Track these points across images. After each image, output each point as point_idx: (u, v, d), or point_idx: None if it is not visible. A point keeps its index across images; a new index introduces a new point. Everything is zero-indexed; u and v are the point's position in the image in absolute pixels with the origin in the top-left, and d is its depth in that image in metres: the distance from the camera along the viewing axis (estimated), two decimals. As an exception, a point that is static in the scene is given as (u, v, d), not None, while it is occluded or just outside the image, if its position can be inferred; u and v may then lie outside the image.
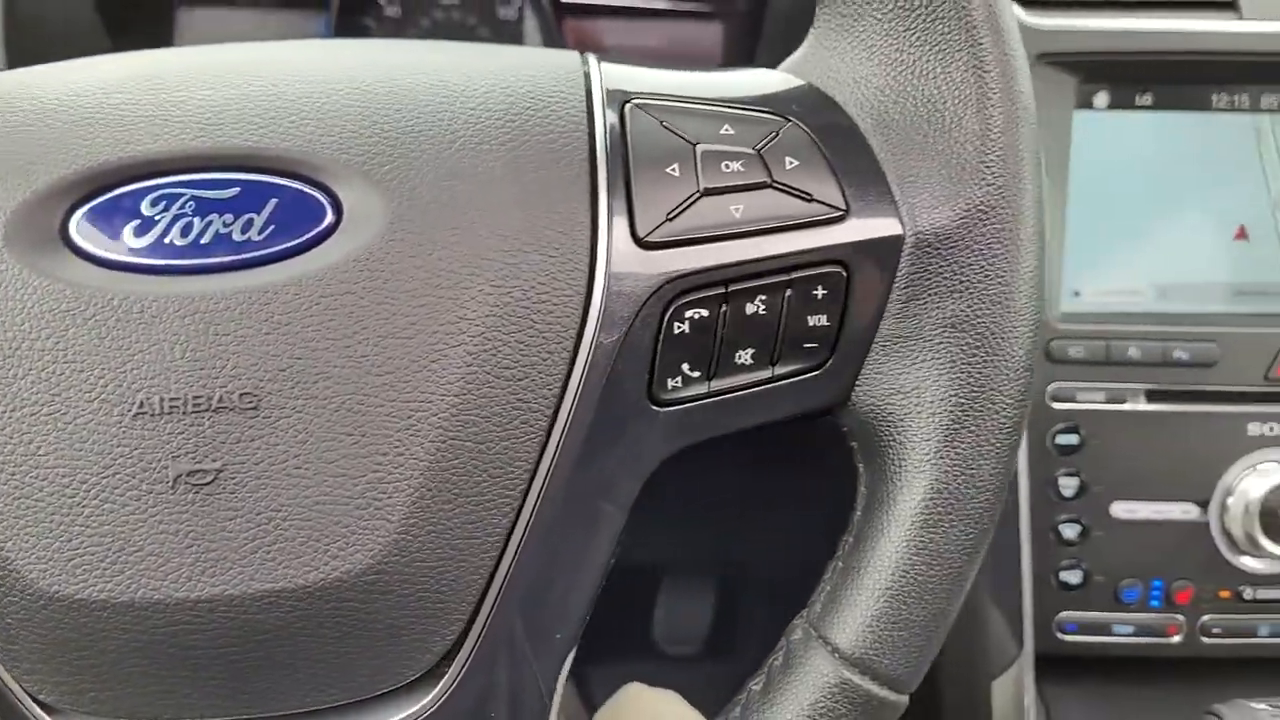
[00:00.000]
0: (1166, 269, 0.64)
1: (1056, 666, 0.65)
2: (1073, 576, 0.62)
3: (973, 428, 0.31)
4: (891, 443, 0.31)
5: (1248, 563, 0.61)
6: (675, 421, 0.31)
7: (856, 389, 0.32)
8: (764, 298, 0.30)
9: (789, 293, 0.30)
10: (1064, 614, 0.62)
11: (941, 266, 0.31)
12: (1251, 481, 0.60)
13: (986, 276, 0.31)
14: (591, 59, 0.33)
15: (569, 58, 0.32)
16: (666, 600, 1.08)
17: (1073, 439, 0.61)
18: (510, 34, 0.73)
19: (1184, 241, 0.63)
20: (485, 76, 0.31)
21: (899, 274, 0.31)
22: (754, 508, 0.74)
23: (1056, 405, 0.61)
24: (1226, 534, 0.61)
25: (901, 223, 0.31)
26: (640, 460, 0.31)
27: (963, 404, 0.31)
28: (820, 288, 0.31)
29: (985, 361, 0.31)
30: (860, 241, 0.30)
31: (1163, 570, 0.62)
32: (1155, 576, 0.62)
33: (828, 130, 0.31)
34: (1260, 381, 0.61)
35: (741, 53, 0.73)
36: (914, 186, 0.31)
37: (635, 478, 0.31)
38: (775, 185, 0.30)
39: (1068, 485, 0.61)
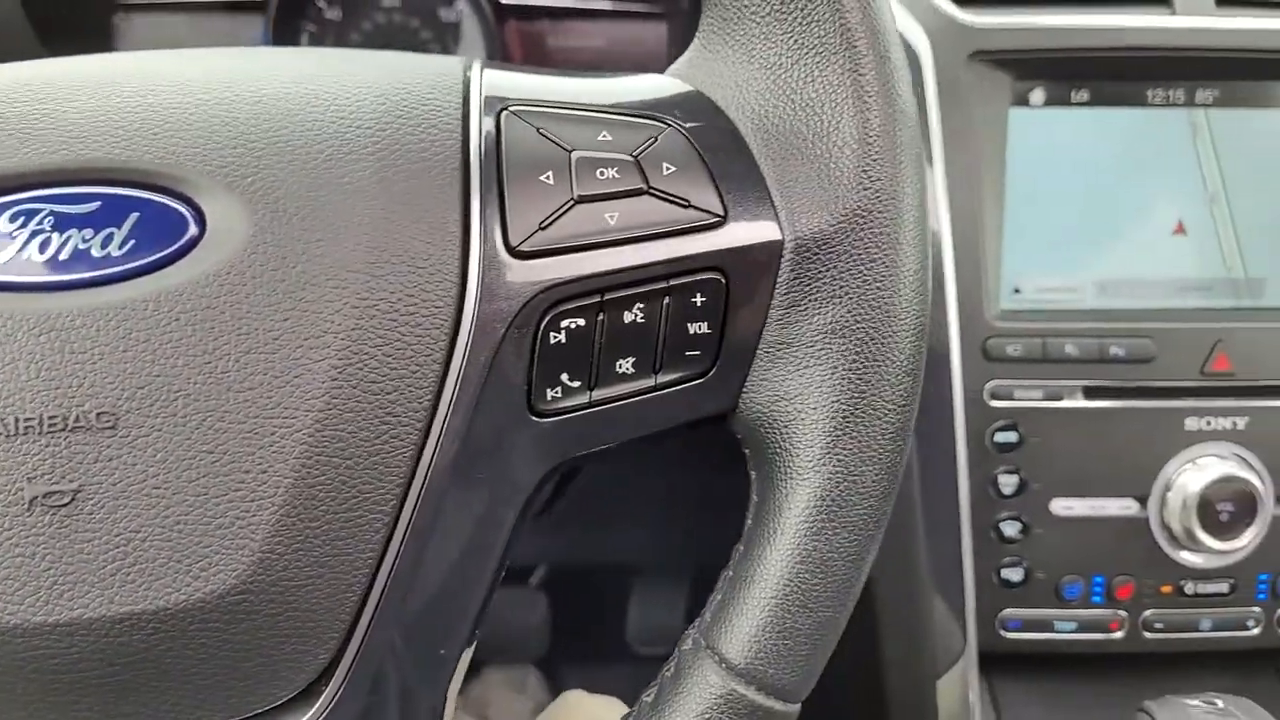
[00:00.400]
0: (1106, 265, 0.63)
1: (1006, 662, 0.65)
2: (1014, 574, 0.62)
3: (854, 434, 0.30)
4: (778, 450, 0.31)
5: (1188, 557, 0.61)
6: (557, 432, 0.30)
7: (743, 396, 0.32)
8: (642, 306, 0.30)
9: (667, 300, 0.30)
10: (1007, 611, 0.62)
11: (821, 272, 0.30)
12: (1190, 476, 0.60)
13: (866, 282, 0.30)
14: (476, 65, 0.32)
15: (451, 64, 0.32)
16: (639, 601, 1.08)
17: (1011, 437, 0.60)
18: (453, 37, 0.73)
19: (1123, 237, 0.63)
20: (360, 85, 0.30)
21: (779, 280, 0.31)
22: (726, 508, 0.73)
23: (995, 403, 0.60)
24: (1166, 529, 0.61)
25: (780, 228, 0.30)
26: (523, 472, 0.30)
27: (844, 410, 0.30)
28: (699, 295, 0.30)
29: (866, 367, 0.30)
30: (738, 248, 0.30)
31: (1104, 566, 0.62)
32: (1096, 573, 0.62)
33: (708, 135, 0.31)
34: (1197, 376, 0.61)
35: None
36: (793, 191, 0.31)
37: (519, 489, 0.31)
38: (652, 191, 0.30)
39: (1007, 483, 0.61)
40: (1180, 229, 0.64)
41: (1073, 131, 0.63)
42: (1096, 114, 0.63)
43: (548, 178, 0.29)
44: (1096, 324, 0.61)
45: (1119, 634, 0.62)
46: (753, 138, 0.31)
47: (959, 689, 0.63)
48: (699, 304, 0.30)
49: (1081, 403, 0.60)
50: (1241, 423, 0.61)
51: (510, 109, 0.30)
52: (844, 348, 0.30)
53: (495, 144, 0.30)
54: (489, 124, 0.30)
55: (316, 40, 0.73)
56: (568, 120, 0.31)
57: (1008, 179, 0.62)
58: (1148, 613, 0.62)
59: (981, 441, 0.61)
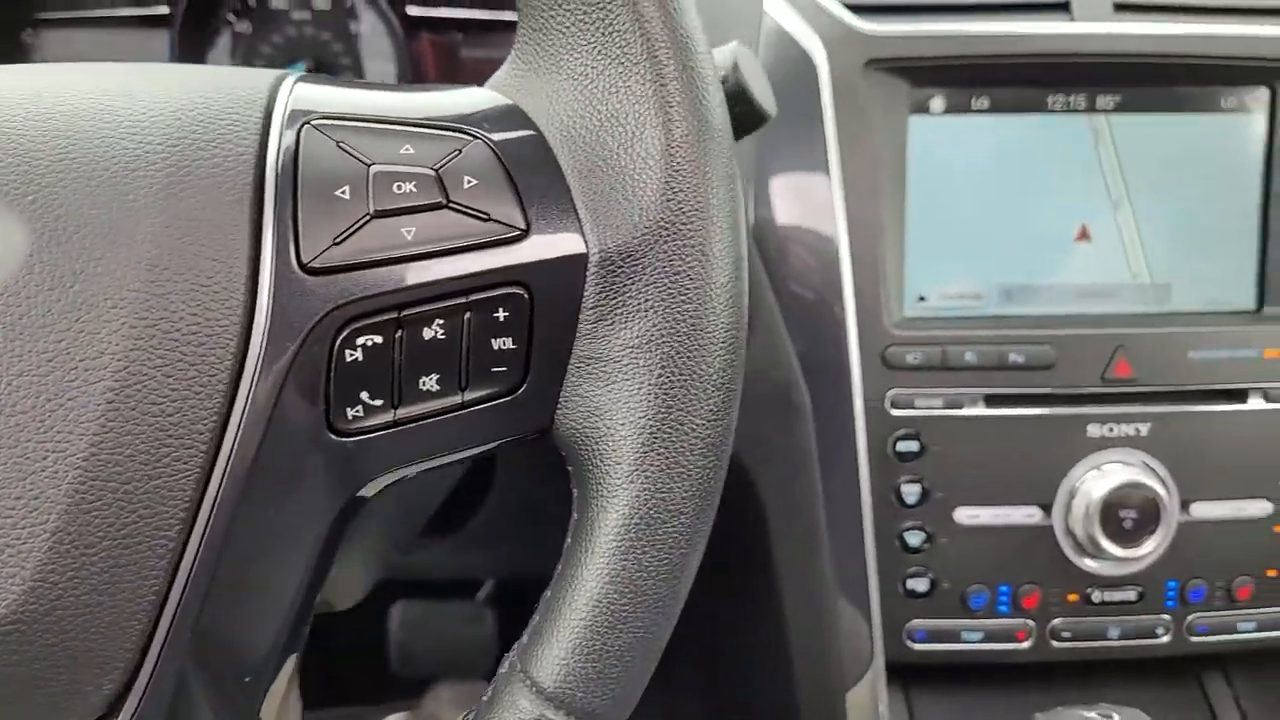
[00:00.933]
0: (1010, 271, 0.63)
1: (925, 673, 0.65)
2: (920, 584, 0.61)
3: (662, 450, 0.30)
4: (592, 467, 0.31)
5: (1093, 565, 0.61)
6: (362, 452, 0.30)
7: (558, 412, 0.31)
8: (442, 322, 0.29)
9: (469, 315, 0.30)
10: (914, 622, 0.62)
11: (628, 285, 0.30)
12: (1092, 483, 0.60)
13: (674, 295, 0.30)
14: (290, 79, 0.32)
15: (261, 78, 0.32)
16: None
17: (913, 445, 0.60)
18: (365, 49, 0.73)
19: (1027, 243, 0.63)
20: (157, 101, 0.30)
21: (586, 293, 0.30)
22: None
23: (895, 412, 0.60)
24: (1071, 536, 0.61)
25: (585, 241, 0.30)
26: (326, 492, 0.30)
27: (651, 426, 0.30)
28: (502, 309, 0.30)
29: (674, 382, 0.30)
30: (541, 261, 0.30)
31: (1009, 575, 0.61)
32: (1002, 582, 0.61)
33: (515, 148, 0.31)
34: (1098, 383, 0.60)
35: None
36: (599, 204, 0.30)
37: (324, 509, 0.30)
38: (451, 205, 0.29)
39: (910, 492, 0.60)
40: (1084, 235, 0.63)
41: (974, 138, 0.62)
42: (997, 121, 0.63)
43: (344, 192, 0.29)
44: (999, 331, 0.61)
45: (1026, 644, 0.62)
46: (561, 150, 0.31)
47: (869, 701, 0.63)
48: (502, 319, 0.30)
49: (982, 410, 0.60)
50: (1144, 428, 0.60)
51: (313, 123, 0.30)
52: (651, 362, 0.30)
53: (292, 159, 0.29)
54: (289, 138, 0.30)
55: (229, 52, 0.72)
56: (372, 134, 0.30)
57: (909, 187, 0.62)
58: (1055, 622, 0.62)
59: (883, 450, 0.60)
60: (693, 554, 0.31)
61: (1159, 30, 0.62)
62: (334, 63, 0.72)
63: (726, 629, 0.78)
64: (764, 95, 0.41)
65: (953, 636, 0.62)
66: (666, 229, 0.30)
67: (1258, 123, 0.63)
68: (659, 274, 0.30)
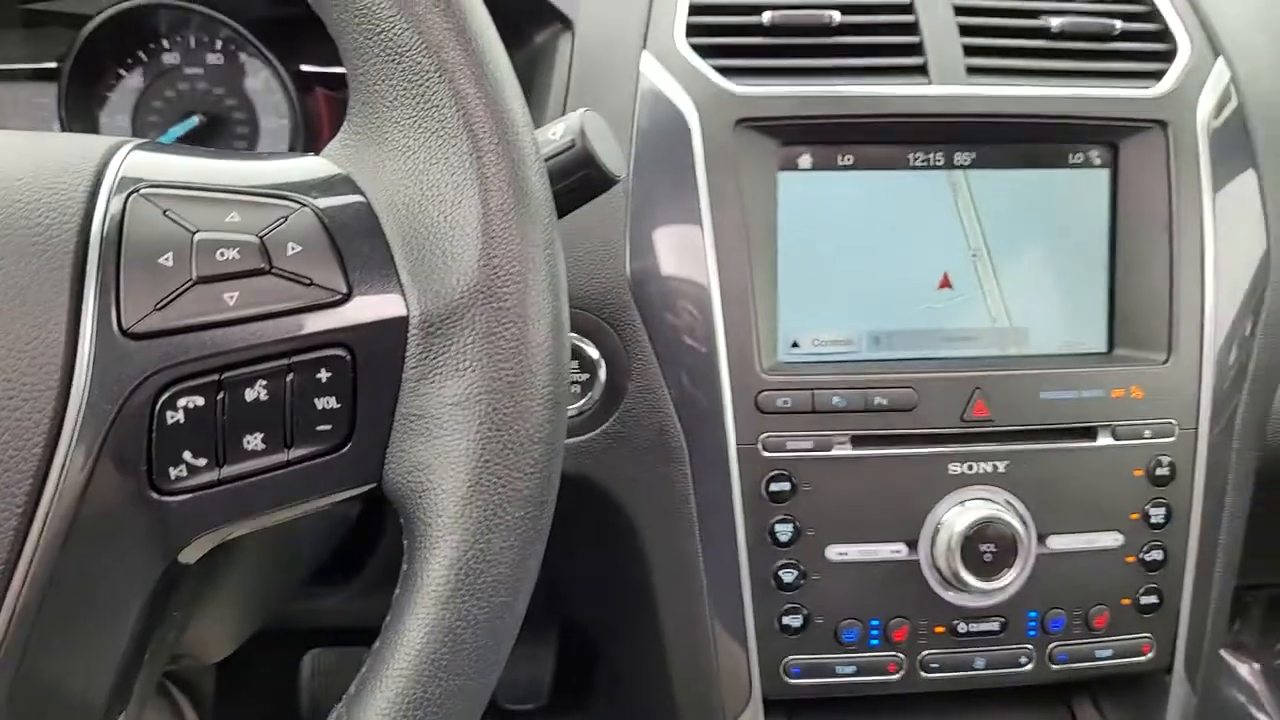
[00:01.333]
0: (878, 318, 0.67)
1: (804, 703, 0.66)
2: (794, 620, 0.63)
3: (480, 503, 0.32)
4: (417, 520, 0.32)
5: (957, 598, 0.64)
6: (187, 511, 0.31)
7: (385, 468, 0.33)
8: (265, 383, 0.31)
9: (291, 377, 0.31)
10: (790, 658, 0.64)
11: (448, 346, 0.32)
12: (954, 519, 0.63)
13: (492, 355, 0.32)
14: (126, 147, 0.33)
15: (96, 146, 0.33)
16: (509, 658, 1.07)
17: (785, 486, 0.63)
18: (259, 104, 0.74)
19: (893, 291, 0.67)
20: None
21: (408, 354, 0.32)
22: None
23: (768, 454, 0.63)
24: (936, 570, 0.63)
25: (407, 305, 0.32)
26: (151, 550, 0.31)
27: (470, 479, 0.32)
28: (324, 370, 0.31)
29: (492, 438, 0.32)
30: (363, 324, 0.32)
31: (879, 609, 0.64)
32: (872, 616, 0.64)
33: (341, 215, 0.32)
34: (958, 423, 0.64)
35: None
36: (420, 269, 0.32)
37: (148, 566, 0.31)
38: (274, 271, 0.31)
39: (783, 531, 0.63)
40: (946, 283, 0.67)
41: (841, 193, 0.66)
42: (862, 176, 0.66)
43: (167, 259, 0.30)
44: (866, 375, 0.64)
45: (897, 675, 0.64)
46: (386, 218, 0.33)
47: (750, 736, 0.64)
48: (325, 380, 0.31)
49: (849, 451, 0.63)
50: (1002, 466, 0.64)
51: (141, 191, 0.31)
52: (470, 419, 0.32)
53: (117, 226, 0.31)
54: (116, 206, 0.31)
55: (122, 107, 0.73)
56: (200, 202, 0.32)
57: (780, 239, 0.65)
58: (924, 653, 0.64)
59: (757, 491, 0.63)
60: (515, 602, 0.33)
61: (1010, 92, 0.66)
62: (228, 117, 0.73)
63: (614, 667, 0.79)
64: (611, 158, 0.44)
65: (827, 671, 0.64)
66: (484, 293, 0.32)
67: (1103, 177, 0.68)
68: (477, 336, 0.32)
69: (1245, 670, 1.27)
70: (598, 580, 0.74)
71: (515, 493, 0.32)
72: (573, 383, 0.63)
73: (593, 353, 0.63)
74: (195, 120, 0.72)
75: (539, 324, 0.32)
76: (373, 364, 0.32)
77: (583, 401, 0.63)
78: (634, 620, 0.69)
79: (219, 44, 0.72)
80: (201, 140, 0.73)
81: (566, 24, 0.66)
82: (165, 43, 0.72)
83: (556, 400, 0.33)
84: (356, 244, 0.32)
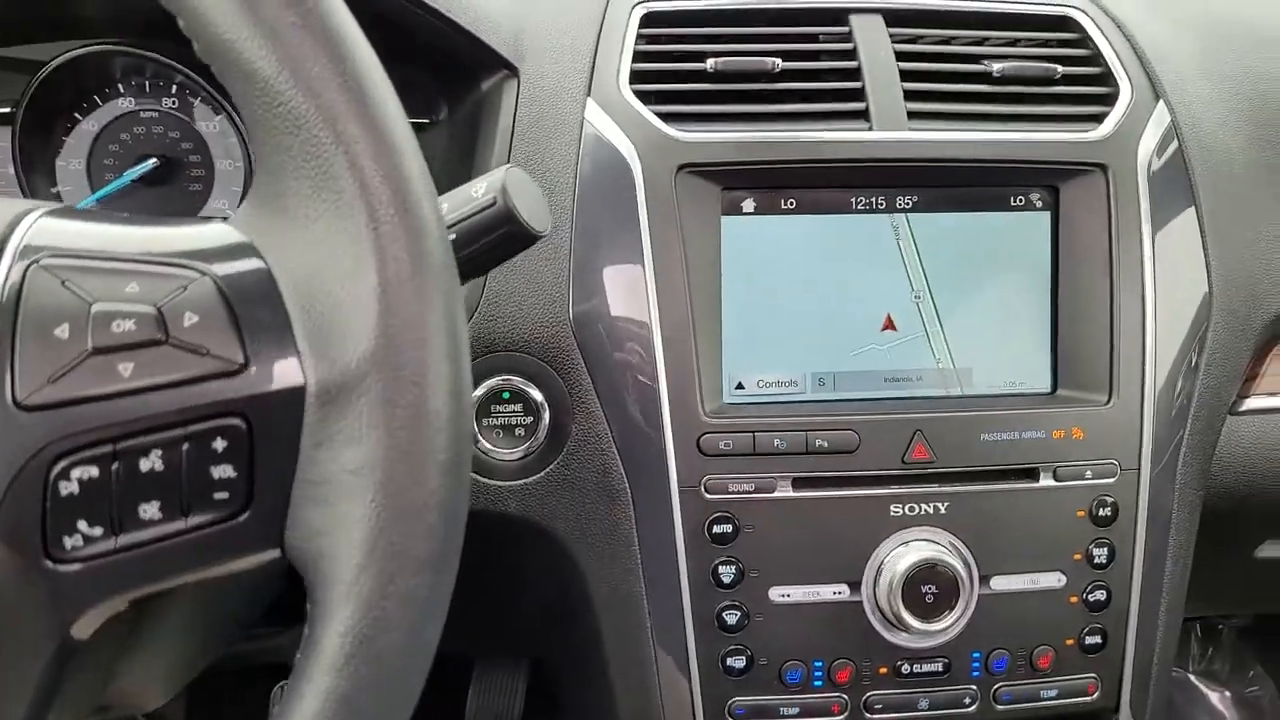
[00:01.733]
0: (822, 360, 0.67)
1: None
2: (738, 661, 0.64)
3: (375, 570, 0.32)
4: (316, 586, 0.33)
5: (901, 638, 0.64)
6: (83, 579, 0.31)
7: (286, 534, 0.33)
8: (160, 452, 0.31)
9: (186, 446, 0.31)
10: (735, 699, 0.64)
11: (345, 414, 0.32)
12: (895, 560, 0.63)
13: (389, 424, 0.32)
14: (33, 214, 0.34)
15: (5, 210, 0.33)
16: (478, 688, 1.07)
17: (727, 527, 0.63)
18: (213, 148, 0.75)
19: (837, 333, 0.67)
20: None
21: (306, 423, 0.32)
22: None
23: (710, 496, 0.63)
24: (879, 611, 0.64)
25: (304, 374, 0.32)
26: (47, 619, 0.31)
27: (366, 546, 0.32)
28: (221, 440, 0.32)
29: (388, 505, 0.32)
30: (259, 394, 0.32)
31: (822, 651, 0.64)
32: (816, 657, 0.64)
33: (240, 284, 0.33)
34: (899, 465, 0.64)
35: (463, 160, 0.75)
36: (319, 338, 0.33)
37: (45, 634, 0.31)
38: (171, 342, 0.32)
39: (726, 572, 0.63)
40: (890, 324, 0.68)
41: (785, 236, 0.67)
42: (806, 220, 0.67)
43: (63, 330, 0.31)
44: (808, 417, 0.64)
45: (841, 716, 0.64)
46: (286, 286, 0.33)
47: (695, 778, 0.65)
48: (221, 449, 0.32)
49: (791, 493, 0.63)
50: (944, 507, 0.64)
51: (41, 261, 0.32)
52: (365, 486, 0.32)
53: (15, 297, 0.31)
54: (15, 276, 0.31)
55: (77, 151, 0.74)
56: (100, 272, 0.32)
57: (724, 282, 0.66)
58: (868, 694, 0.64)
59: (700, 533, 0.63)
60: (412, 668, 0.33)
61: (950, 137, 0.67)
62: (183, 160, 0.74)
63: (574, 706, 0.79)
64: (533, 215, 0.44)
65: (771, 712, 0.64)
66: (381, 362, 0.32)
67: (1044, 219, 0.69)
68: (373, 404, 0.32)
69: (1216, 698, 1.27)
70: (552, 620, 0.74)
71: (411, 560, 0.32)
72: (517, 426, 0.64)
73: (537, 396, 0.64)
74: (151, 163, 0.73)
75: (437, 391, 0.33)
76: (270, 432, 0.32)
77: (527, 444, 0.64)
78: (585, 660, 0.69)
79: (173, 89, 0.73)
80: (159, 181, 0.74)
81: (513, 71, 0.67)
82: (120, 87, 0.73)
83: (456, 466, 0.33)
84: (255, 313, 0.32)
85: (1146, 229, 0.68)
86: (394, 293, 0.32)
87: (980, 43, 0.73)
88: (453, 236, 0.42)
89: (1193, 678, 1.27)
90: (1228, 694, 1.27)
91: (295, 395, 0.32)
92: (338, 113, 0.31)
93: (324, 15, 0.32)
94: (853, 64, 0.68)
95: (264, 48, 0.31)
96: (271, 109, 0.32)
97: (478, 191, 0.43)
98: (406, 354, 0.32)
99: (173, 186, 0.74)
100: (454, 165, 0.71)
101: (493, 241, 0.43)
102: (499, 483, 0.64)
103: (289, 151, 0.33)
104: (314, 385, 0.32)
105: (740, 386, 0.66)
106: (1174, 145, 0.71)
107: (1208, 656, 1.27)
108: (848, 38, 0.69)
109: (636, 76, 0.67)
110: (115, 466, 0.31)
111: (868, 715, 0.64)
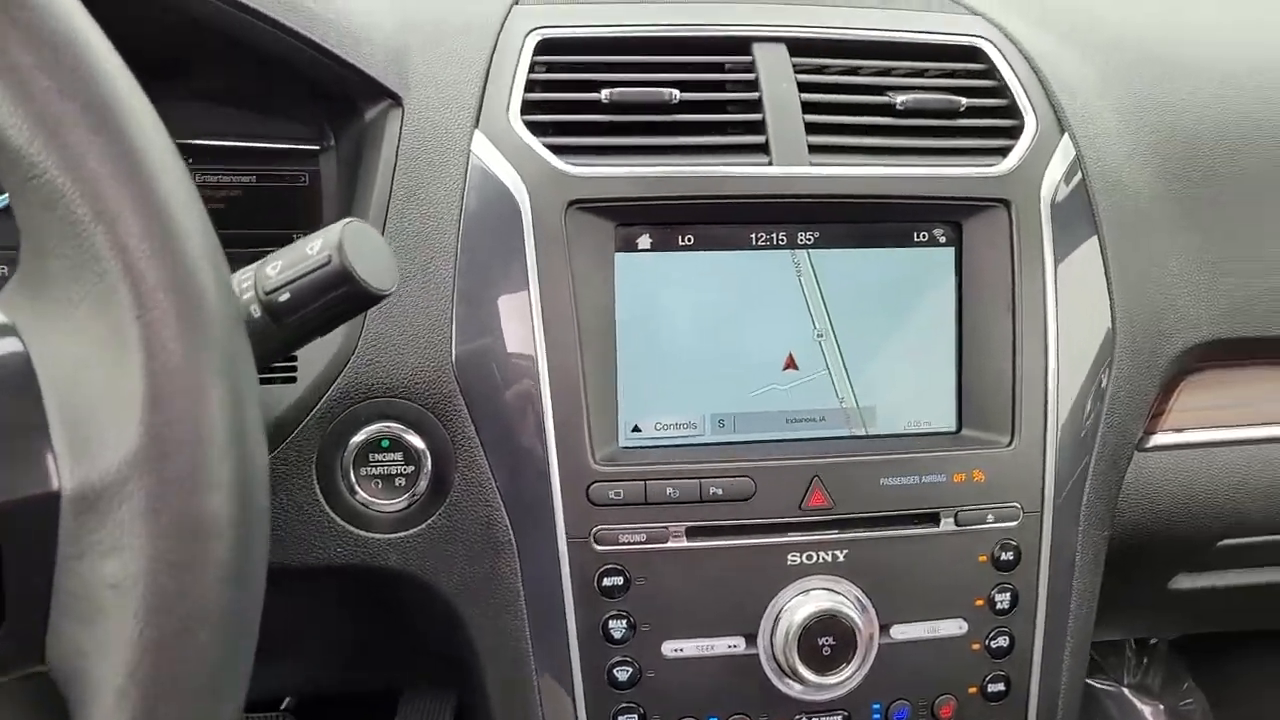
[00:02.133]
0: (722, 400, 0.65)
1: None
2: (630, 720, 0.61)
3: (136, 698, 0.29)
4: (79, 704, 0.29)
5: (799, 691, 0.62)
6: None
7: (47, 650, 0.30)
8: None
9: None
10: (627, 758, 0.61)
11: (104, 521, 0.29)
12: (791, 612, 0.61)
13: (154, 531, 0.29)
14: None
15: None
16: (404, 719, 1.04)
17: (618, 580, 0.60)
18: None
19: (737, 373, 0.65)
20: None
21: (62, 530, 0.29)
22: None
23: (600, 547, 0.60)
24: (776, 665, 0.62)
25: (58, 479, 0.29)
26: None
27: (126, 671, 0.29)
28: None
29: (154, 623, 0.29)
30: (6, 502, 0.29)
31: (718, 707, 0.62)
32: (711, 713, 0.62)
33: None
34: (796, 512, 0.62)
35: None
36: (78, 437, 0.29)
37: None
38: None
39: (617, 627, 0.61)
40: (791, 363, 0.66)
41: (682, 273, 0.64)
42: (704, 256, 0.65)
43: None
44: (703, 463, 0.62)
45: (737, 774, 0.62)
46: (45, 377, 0.30)
47: (587, 840, 0.62)
48: None
49: (685, 543, 0.61)
50: (842, 555, 0.62)
51: None
52: (128, 602, 0.29)
53: None
54: None
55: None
56: None
57: (619, 321, 0.63)
58: (766, 749, 0.62)
59: (589, 586, 0.60)
60: None
61: (852, 172, 0.65)
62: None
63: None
64: (373, 274, 0.41)
65: (665, 771, 0.61)
66: (144, 465, 0.29)
67: (948, 255, 0.68)
68: (136, 512, 0.29)
69: (1150, 712, 1.28)
70: (450, 663, 0.71)
71: (177, 685, 0.29)
72: (397, 475, 0.61)
73: (418, 444, 0.60)
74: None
75: (214, 493, 0.29)
76: (20, 543, 0.29)
77: (408, 495, 0.61)
78: (479, 715, 0.66)
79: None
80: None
81: (396, 100, 0.64)
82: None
83: (239, 575, 0.30)
84: (6, 409, 0.29)
85: (1049, 265, 0.67)
86: (161, 386, 0.29)
87: (886, 73, 0.71)
88: (285, 297, 0.39)
89: (1126, 691, 1.28)
90: (1161, 707, 1.27)
91: (48, 502, 0.29)
92: (100, 184, 0.28)
93: (82, 64, 0.28)
94: (754, 95, 0.66)
95: (15, 110, 0.28)
96: (26, 181, 0.28)
97: (313, 249, 0.40)
98: (175, 454, 0.29)
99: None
100: (343, 195, 0.68)
101: (331, 301, 0.40)
102: (378, 535, 0.60)
103: (48, 228, 0.29)
104: (70, 490, 0.29)
105: (637, 429, 0.64)
106: (1078, 179, 0.70)
107: (1141, 670, 1.28)
108: (750, 68, 0.67)
109: (529, 107, 0.64)
110: None
111: (765, 771, 0.62)
